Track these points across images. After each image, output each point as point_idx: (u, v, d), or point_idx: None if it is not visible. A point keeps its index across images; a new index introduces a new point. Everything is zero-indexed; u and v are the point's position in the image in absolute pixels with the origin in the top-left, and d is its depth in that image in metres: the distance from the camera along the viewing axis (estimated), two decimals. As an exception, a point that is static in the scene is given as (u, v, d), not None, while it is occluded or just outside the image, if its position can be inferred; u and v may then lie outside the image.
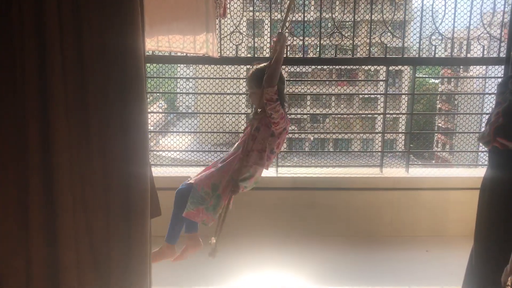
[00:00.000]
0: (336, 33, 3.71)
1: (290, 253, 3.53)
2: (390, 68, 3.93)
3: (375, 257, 3.59)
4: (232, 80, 4.28)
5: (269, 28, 3.80)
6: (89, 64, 1.91)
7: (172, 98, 6.48)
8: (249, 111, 4.22)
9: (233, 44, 3.70)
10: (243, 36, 3.71)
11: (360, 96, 10.13)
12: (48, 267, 1.96)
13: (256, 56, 3.77)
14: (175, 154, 5.03)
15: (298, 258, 3.45)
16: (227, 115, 4.56)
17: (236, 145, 3.03)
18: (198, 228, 2.99)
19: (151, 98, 5.99)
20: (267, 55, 3.83)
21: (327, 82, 8.75)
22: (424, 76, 4.72)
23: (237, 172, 2.86)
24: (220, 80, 4.14)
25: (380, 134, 4.25)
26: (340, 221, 3.89)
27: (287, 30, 3.02)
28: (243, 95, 4.57)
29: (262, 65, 2.89)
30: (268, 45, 3.91)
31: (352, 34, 3.74)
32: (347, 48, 3.80)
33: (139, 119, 1.96)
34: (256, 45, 3.87)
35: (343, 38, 3.71)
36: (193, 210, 2.87)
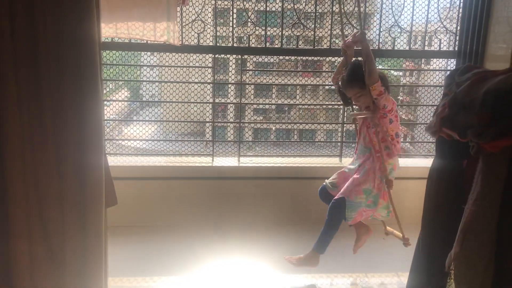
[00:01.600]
0: (298, 23, 3.73)
1: (253, 242, 3.56)
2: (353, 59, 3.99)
3: (334, 245, 3.64)
4: (196, 68, 4.26)
5: (232, 17, 3.78)
6: (43, 51, 1.87)
7: (136, 86, 6.41)
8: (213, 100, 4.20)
9: (195, 32, 3.67)
10: (205, 24, 3.69)
11: (326, 87, 10.21)
12: (1, 257, 1.92)
13: (218, 45, 3.76)
14: (138, 143, 4.99)
15: (261, 247, 3.48)
16: (192, 104, 4.54)
17: (360, 148, 3.20)
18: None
19: (111, 86, 5.89)
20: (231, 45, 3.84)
21: (291, 73, 8.80)
22: (385, 68, 4.82)
23: (383, 170, 2.98)
24: (184, 68, 4.10)
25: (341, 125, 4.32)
26: (302, 209, 3.93)
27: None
28: (208, 84, 4.55)
29: (350, 70, 3.06)
30: (231, 34, 3.89)
31: (313, 25, 3.77)
32: (311, 39, 3.83)
33: (94, 107, 1.94)
34: (220, 34, 3.87)
35: (305, 29, 3.74)
36: (356, 215, 3.04)
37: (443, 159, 1.80)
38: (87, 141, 1.95)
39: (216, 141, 3.98)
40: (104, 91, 5.38)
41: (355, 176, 3.11)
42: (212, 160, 3.92)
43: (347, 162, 3.98)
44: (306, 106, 10.20)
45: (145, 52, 4.46)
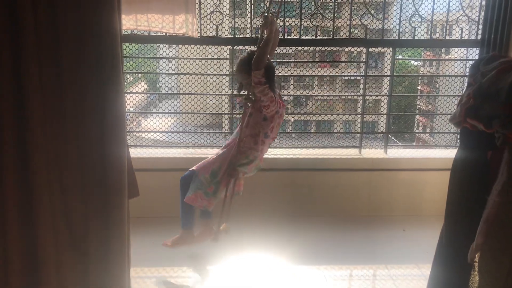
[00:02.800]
0: (317, 14, 3.70)
1: (270, 235, 3.56)
2: (371, 50, 3.95)
3: (353, 236, 3.64)
4: (214, 61, 4.25)
5: (250, 8, 3.75)
6: (64, 43, 1.88)
7: (154, 79, 6.44)
8: (231, 92, 4.19)
9: (213, 24, 3.66)
10: (224, 16, 3.68)
11: (344, 78, 10.13)
12: (25, 246, 1.95)
13: (236, 36, 3.74)
14: (156, 135, 5.01)
15: (278, 239, 3.49)
16: (210, 96, 4.55)
17: (235, 132, 3.12)
18: (212, 215, 3.10)
19: (131, 78, 5.91)
20: (248, 36, 3.82)
21: (309, 64, 8.71)
22: (403, 58, 4.76)
23: (234, 158, 2.95)
24: (202, 60, 4.10)
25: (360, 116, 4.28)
26: (319, 201, 3.93)
27: (271, 12, 3.00)
28: (225, 76, 4.54)
29: (249, 52, 2.96)
30: (249, 25, 3.88)
31: (332, 15, 3.73)
32: (329, 29, 3.79)
33: (115, 99, 1.94)
34: (238, 25, 3.85)
35: (324, 20, 3.71)
36: (191, 195, 2.98)
37: (467, 150, 1.78)
38: (109, 133, 1.96)
39: (229, 132, 3.98)
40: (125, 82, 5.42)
41: (213, 155, 3.10)
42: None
43: (367, 153, 3.97)
44: (324, 97, 10.14)
45: (164, 45, 4.45)
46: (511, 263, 1.54)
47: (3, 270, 1.94)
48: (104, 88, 1.93)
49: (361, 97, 4.14)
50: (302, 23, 3.70)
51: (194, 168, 3.05)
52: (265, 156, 3.87)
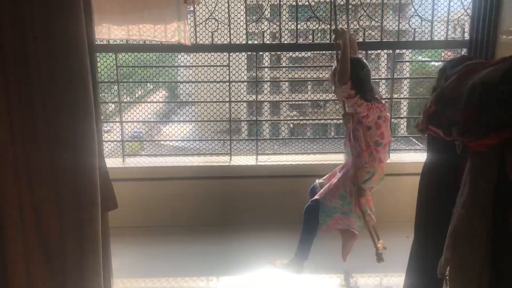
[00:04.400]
0: (313, 17, 3.65)
1: (272, 242, 3.52)
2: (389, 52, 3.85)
3: (356, 243, 3.54)
4: (231, 68, 4.19)
5: (245, 14, 3.72)
6: (32, 52, 1.86)
7: (171, 86, 6.46)
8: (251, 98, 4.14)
9: (209, 31, 3.64)
10: (219, 22, 3.65)
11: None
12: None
13: (232, 43, 3.71)
14: (176, 143, 5.03)
15: (279, 246, 3.42)
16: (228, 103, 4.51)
17: (346, 150, 3.08)
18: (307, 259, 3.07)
19: (151, 87, 5.95)
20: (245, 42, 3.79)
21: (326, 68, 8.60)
22: (424, 60, 4.66)
23: (355, 177, 2.91)
24: (223, 68, 4.00)
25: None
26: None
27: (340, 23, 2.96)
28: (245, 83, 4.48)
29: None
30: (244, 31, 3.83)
31: (329, 19, 3.66)
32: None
33: (85, 109, 1.92)
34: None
35: (320, 23, 3.64)
36: (331, 221, 2.98)
37: (434, 156, 1.69)
38: (80, 145, 1.94)
39: (233, 140, 3.94)
40: (142, 92, 5.45)
41: (333, 179, 3.03)
42: (230, 159, 3.89)
43: (395, 158, 3.86)
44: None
45: (181, 53, 4.44)
46: (480, 277, 1.45)
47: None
48: (74, 99, 1.90)
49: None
50: (298, 27, 3.64)
51: (317, 197, 3.00)
52: (260, 163, 3.85)
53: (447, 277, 1.55)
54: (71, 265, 2.04)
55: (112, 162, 3.94)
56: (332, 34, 3.01)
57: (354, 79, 2.78)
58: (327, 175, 3.19)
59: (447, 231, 1.52)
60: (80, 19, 1.88)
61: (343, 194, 2.95)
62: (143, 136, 5.36)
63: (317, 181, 3.19)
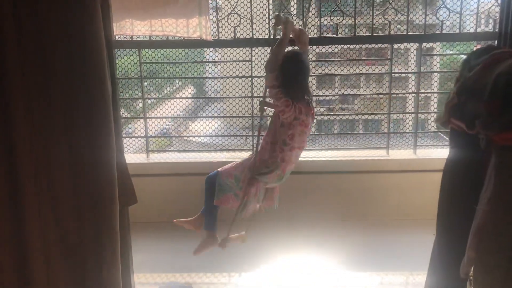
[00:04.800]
0: (338, 11, 3.58)
1: (295, 238, 3.49)
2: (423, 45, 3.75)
3: (381, 241, 3.49)
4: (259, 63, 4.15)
5: (268, 8, 3.67)
6: (49, 50, 1.86)
7: (200, 83, 6.47)
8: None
9: (231, 26, 3.62)
10: (241, 17, 3.62)
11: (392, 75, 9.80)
12: (16, 257, 1.96)
13: (255, 37, 3.67)
14: (204, 139, 5.04)
15: (303, 243, 3.41)
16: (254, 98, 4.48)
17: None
18: (217, 227, 3.02)
19: (180, 83, 5.98)
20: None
21: (356, 63, 8.52)
22: (453, 53, 4.52)
23: (254, 166, 2.81)
24: (246, 63, 3.97)
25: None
26: (345, 205, 3.79)
27: (284, 12, 2.88)
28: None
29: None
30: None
31: (354, 12, 3.59)
32: (376, 26, 3.67)
33: (101, 106, 1.91)
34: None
35: (344, 16, 3.57)
36: (223, 197, 2.92)
37: (458, 151, 1.61)
38: (97, 140, 1.94)
39: (255, 135, 3.90)
40: (170, 88, 5.48)
41: (238, 160, 3.00)
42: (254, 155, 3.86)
43: (395, 154, 3.80)
44: (370, 96, 9.90)
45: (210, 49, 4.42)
46: (505, 278, 1.38)
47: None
48: (90, 96, 1.90)
49: (410, 95, 3.99)
50: (321, 21, 3.58)
51: (219, 169, 2.97)
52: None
53: (471, 277, 1.49)
54: (90, 260, 2.04)
55: (136, 157, 3.97)
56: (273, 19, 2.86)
57: (283, 72, 2.64)
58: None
59: (470, 229, 1.46)
60: (97, 16, 1.87)
61: (238, 176, 2.86)
62: (171, 133, 5.39)
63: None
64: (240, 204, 2.86)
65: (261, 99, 2.82)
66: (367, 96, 9.29)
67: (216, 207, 2.96)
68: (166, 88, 5.50)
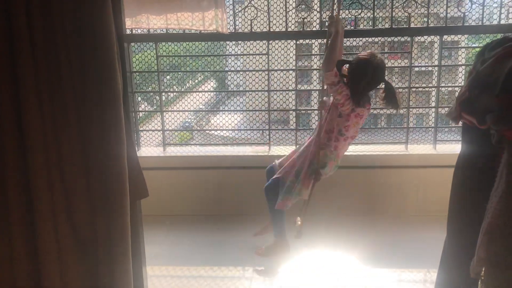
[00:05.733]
0: (356, 3, 3.52)
1: (313, 233, 3.43)
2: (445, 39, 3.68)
3: (400, 237, 3.44)
4: (281, 56, 4.12)
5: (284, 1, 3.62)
6: (61, 43, 1.88)
7: (222, 76, 6.47)
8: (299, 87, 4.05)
9: (248, 19, 3.59)
10: (258, 10, 3.59)
11: (414, 69, 9.62)
12: (29, 250, 1.98)
13: (271, 31, 3.64)
14: (225, 133, 5.05)
15: (321, 238, 3.37)
16: (278, 92, 4.44)
17: (315, 129, 3.06)
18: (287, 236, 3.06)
19: (202, 77, 5.99)
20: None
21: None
22: (476, 46, 4.40)
23: (314, 157, 2.88)
24: (268, 56, 3.93)
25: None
26: (363, 200, 3.75)
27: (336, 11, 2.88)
28: (292, 72, 4.39)
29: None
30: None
31: (372, 4, 3.52)
32: (401, 19, 3.61)
33: (112, 99, 1.91)
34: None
35: (363, 9, 3.51)
36: (281, 201, 2.94)
37: (469, 147, 1.56)
38: (108, 135, 1.94)
39: (272, 129, 3.88)
40: (192, 82, 5.50)
41: (293, 156, 3.01)
42: (269, 149, 3.84)
43: (414, 149, 3.73)
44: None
45: (232, 42, 4.39)
46: (517, 279, 1.33)
47: (11, 272, 2.00)
48: (101, 89, 1.91)
49: (434, 89, 3.91)
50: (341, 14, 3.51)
51: (278, 175, 3.00)
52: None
53: (482, 277, 1.44)
54: (102, 252, 2.05)
55: (152, 151, 3.99)
56: (327, 21, 2.91)
57: (363, 77, 2.72)
58: (287, 156, 3.17)
59: (481, 228, 1.41)
60: (107, 11, 1.87)
61: (299, 170, 2.90)
62: (193, 127, 5.40)
63: (276, 161, 3.17)
64: (308, 198, 2.93)
65: (320, 99, 2.94)
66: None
67: (283, 213, 3.00)
68: (188, 82, 5.51)
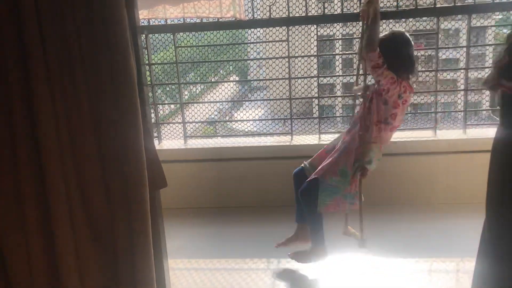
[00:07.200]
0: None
1: (338, 223, 3.32)
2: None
3: (429, 226, 3.32)
4: (302, 43, 4.02)
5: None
6: (73, 33, 1.83)
7: (244, 67, 6.39)
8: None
9: (266, 5, 3.50)
10: (277, -5, 3.51)
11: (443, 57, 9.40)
12: (45, 242, 1.94)
13: (291, 16, 3.54)
14: (248, 127, 4.98)
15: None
16: (301, 83, 4.37)
17: (352, 122, 2.84)
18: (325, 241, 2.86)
19: (223, 72, 5.93)
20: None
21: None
22: (493, 25, 4.19)
23: (362, 154, 2.65)
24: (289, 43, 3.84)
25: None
26: (390, 189, 3.63)
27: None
28: (313, 63, 4.30)
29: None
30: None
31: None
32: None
33: (127, 89, 1.85)
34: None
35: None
36: (331, 202, 2.72)
37: (509, 124, 1.43)
38: (124, 124, 1.88)
39: (294, 118, 3.79)
40: (214, 78, 5.46)
41: (333, 154, 2.75)
42: (291, 139, 3.75)
43: (443, 134, 3.59)
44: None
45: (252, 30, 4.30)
46: None
47: (28, 266, 1.96)
48: (115, 80, 1.85)
49: (461, 78, 3.77)
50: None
51: (315, 176, 2.73)
52: (327, 142, 3.65)
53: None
54: (121, 244, 2.01)
55: (174, 144, 3.94)
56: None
57: (394, 54, 2.55)
58: (315, 155, 2.93)
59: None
60: (120, 4, 1.81)
61: (344, 170, 2.66)
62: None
63: (305, 162, 2.93)
64: (359, 199, 2.71)
65: (363, 85, 2.67)
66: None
67: (321, 217, 2.78)
68: (210, 77, 5.46)
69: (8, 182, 1.89)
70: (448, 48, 4.12)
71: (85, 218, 1.96)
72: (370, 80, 2.71)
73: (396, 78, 2.54)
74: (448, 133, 3.68)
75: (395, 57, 2.56)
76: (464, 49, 3.66)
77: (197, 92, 5.10)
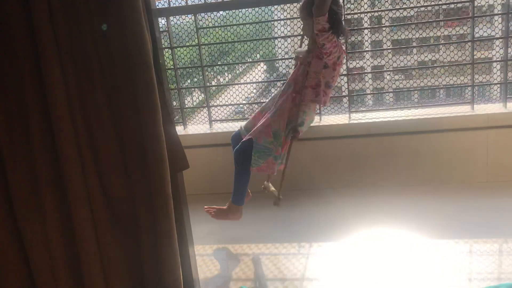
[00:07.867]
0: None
1: (370, 205, 3.27)
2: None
3: (469, 206, 3.16)
4: None
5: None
6: (85, 24, 1.76)
7: (272, 55, 6.28)
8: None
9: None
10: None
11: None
12: (63, 226, 1.89)
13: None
14: None
15: (380, 210, 3.16)
16: None
17: (285, 84, 2.88)
18: (244, 202, 2.97)
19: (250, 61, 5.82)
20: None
21: (434, 26, 7.97)
22: None
23: (295, 115, 2.73)
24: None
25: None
26: (426, 168, 3.48)
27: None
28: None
29: None
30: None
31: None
32: None
33: (144, 71, 1.76)
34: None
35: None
36: (264, 163, 2.78)
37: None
38: (142, 107, 1.80)
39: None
40: (241, 69, 5.35)
41: (266, 115, 2.79)
42: (320, 119, 3.63)
43: (482, 109, 3.42)
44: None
45: (277, 8, 4.27)
46: None
47: (48, 254, 1.91)
48: (130, 61, 1.76)
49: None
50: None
51: (249, 136, 2.78)
52: (358, 121, 3.52)
53: None
54: (143, 229, 1.94)
55: (199, 128, 3.88)
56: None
57: (330, 14, 2.58)
58: (251, 118, 3.03)
59: None
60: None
61: (277, 131, 2.71)
62: (244, 109, 5.26)
63: (241, 126, 3.03)
64: (286, 162, 2.84)
65: (307, 48, 2.75)
66: (446, 60, 8.65)
67: (249, 178, 2.86)
68: (237, 69, 5.37)
69: (23, 169, 1.83)
70: (486, 16, 3.85)
71: (105, 202, 1.89)
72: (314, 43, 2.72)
73: (337, 42, 2.64)
74: (486, 107, 3.49)
75: (335, 19, 2.63)
76: (500, 26, 3.47)
77: (224, 82, 5.03)
